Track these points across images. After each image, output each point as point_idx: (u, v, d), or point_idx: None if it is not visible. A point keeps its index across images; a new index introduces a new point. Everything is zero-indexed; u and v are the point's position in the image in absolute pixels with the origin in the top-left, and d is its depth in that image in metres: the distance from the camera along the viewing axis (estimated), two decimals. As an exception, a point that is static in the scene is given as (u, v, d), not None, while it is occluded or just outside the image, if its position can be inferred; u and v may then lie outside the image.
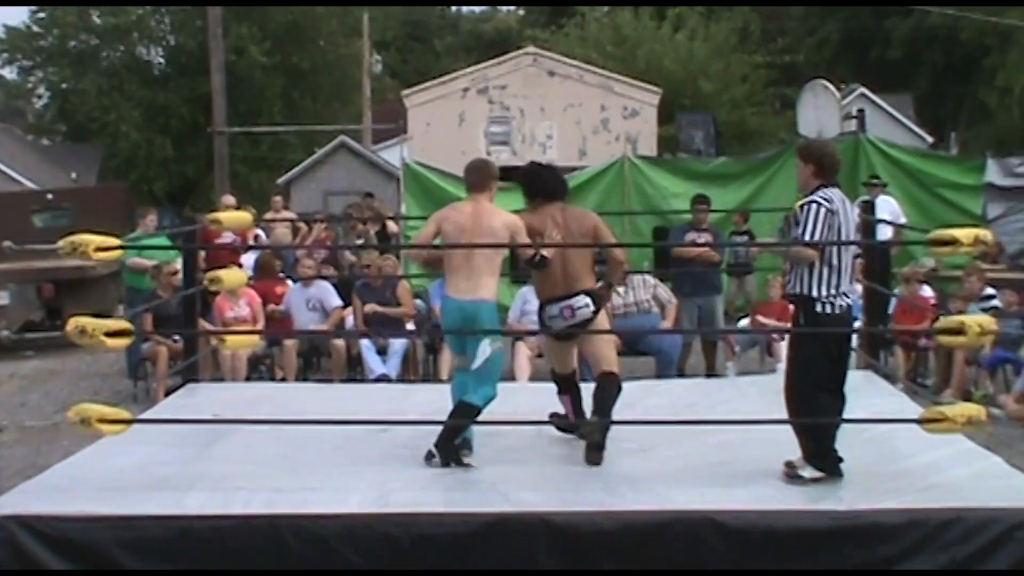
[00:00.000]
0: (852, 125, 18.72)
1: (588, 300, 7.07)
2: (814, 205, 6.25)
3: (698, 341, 12.72)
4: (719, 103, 30.86)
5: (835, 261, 6.25)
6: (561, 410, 7.54)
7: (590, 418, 7.00)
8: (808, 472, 6.28)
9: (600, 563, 5.73)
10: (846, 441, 6.49)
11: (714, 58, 32.58)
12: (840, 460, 6.31)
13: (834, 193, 6.32)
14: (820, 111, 17.39)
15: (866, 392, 8.41)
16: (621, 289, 11.77)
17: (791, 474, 6.31)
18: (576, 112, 22.73)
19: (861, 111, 21.00)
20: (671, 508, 5.88)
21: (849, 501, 5.94)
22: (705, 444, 6.84)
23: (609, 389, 7.03)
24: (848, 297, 6.33)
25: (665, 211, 15.88)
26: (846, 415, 6.60)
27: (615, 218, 16.14)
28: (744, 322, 13.22)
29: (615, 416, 6.94)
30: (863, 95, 36.40)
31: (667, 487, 6.27)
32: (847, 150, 16.62)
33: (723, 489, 6.21)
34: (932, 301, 12.36)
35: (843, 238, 6.27)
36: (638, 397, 8.36)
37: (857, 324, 8.41)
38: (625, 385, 7.32)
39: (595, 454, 6.81)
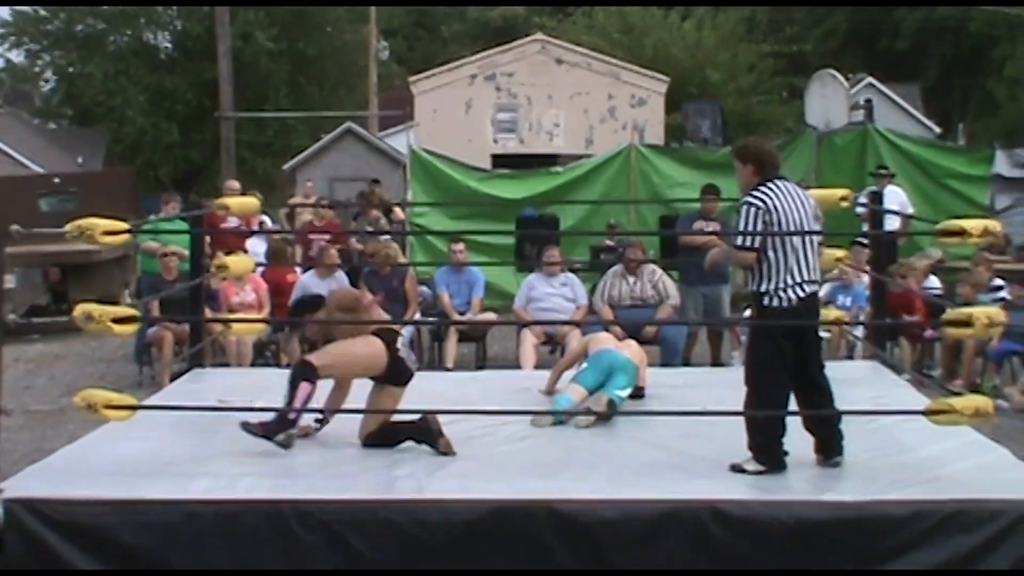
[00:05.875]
0: (860, 115, 18.70)
1: None
2: (745, 206, 6.28)
3: (704, 330, 12.71)
4: (726, 92, 30.76)
5: (779, 256, 6.22)
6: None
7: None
8: (751, 466, 6.27)
9: (604, 551, 5.72)
10: (852, 432, 6.48)
11: (721, 47, 32.48)
12: (785, 454, 6.29)
13: (774, 187, 6.30)
14: (828, 101, 17.37)
15: (872, 383, 8.43)
16: (631, 279, 11.77)
17: (736, 468, 6.28)
18: (583, 100, 22.67)
19: (869, 101, 20.99)
20: (674, 497, 5.88)
21: (854, 492, 5.92)
22: (708, 433, 6.82)
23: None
24: (803, 289, 6.27)
25: (671, 200, 15.86)
26: (850, 406, 6.58)
27: (621, 207, 16.14)
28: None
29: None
30: (871, 85, 36.29)
31: (671, 476, 6.27)
32: (855, 140, 16.65)
33: (726, 479, 6.20)
34: (938, 292, 12.34)
35: (791, 229, 6.22)
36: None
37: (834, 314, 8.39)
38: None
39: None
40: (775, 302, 6.26)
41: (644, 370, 8.26)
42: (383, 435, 6.93)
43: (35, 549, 5.76)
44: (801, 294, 6.27)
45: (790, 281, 6.24)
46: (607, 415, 7.40)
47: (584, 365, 8.00)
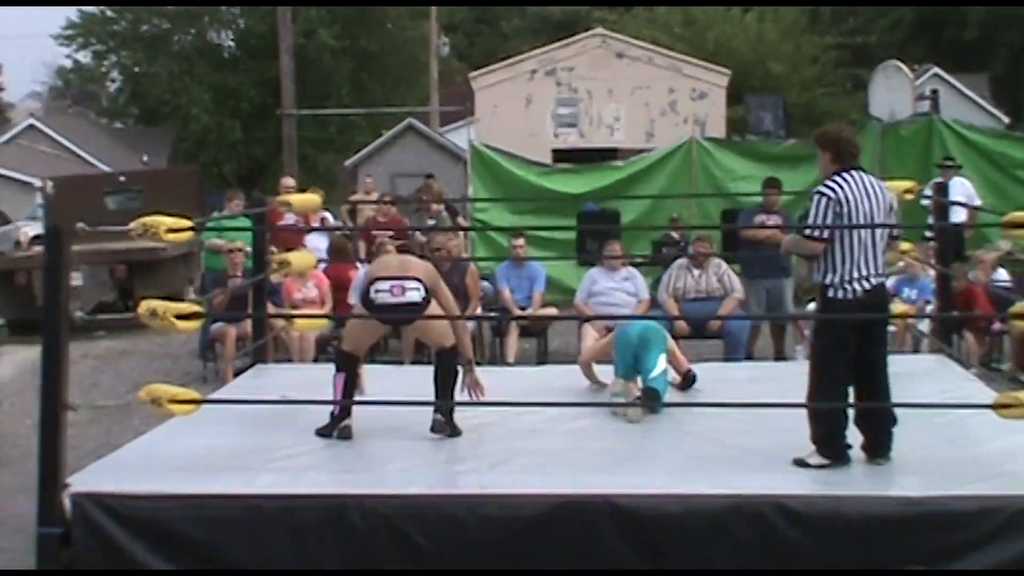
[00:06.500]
0: (925, 106, 18.51)
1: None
2: (816, 196, 6.26)
3: (767, 324, 12.61)
4: (789, 84, 30.58)
5: (847, 247, 6.18)
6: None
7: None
8: (814, 459, 6.23)
9: (666, 547, 5.69)
10: (918, 426, 6.40)
11: (784, 39, 32.28)
12: (848, 447, 6.24)
13: (849, 178, 6.25)
14: (892, 92, 17.16)
15: (939, 376, 8.32)
16: (696, 272, 11.71)
17: (799, 462, 6.24)
18: (644, 94, 22.60)
19: (935, 92, 20.80)
20: (738, 492, 5.83)
21: (921, 487, 5.84)
22: (770, 427, 6.76)
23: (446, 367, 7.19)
24: (868, 282, 6.22)
25: (733, 193, 15.74)
26: (917, 400, 6.50)
27: (683, 201, 16.05)
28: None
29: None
30: (937, 75, 35.94)
31: (733, 471, 6.22)
32: (920, 131, 16.42)
33: (789, 474, 6.15)
34: (1007, 284, 12.16)
35: (861, 222, 6.17)
36: (703, 380, 8.32)
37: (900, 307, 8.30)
38: (693, 367, 7.27)
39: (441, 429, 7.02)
40: (840, 294, 6.22)
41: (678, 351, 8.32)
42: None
43: (102, 543, 5.83)
44: (867, 286, 6.21)
45: (856, 274, 6.19)
46: (650, 406, 7.46)
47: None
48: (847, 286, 6.20)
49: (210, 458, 6.57)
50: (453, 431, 7.04)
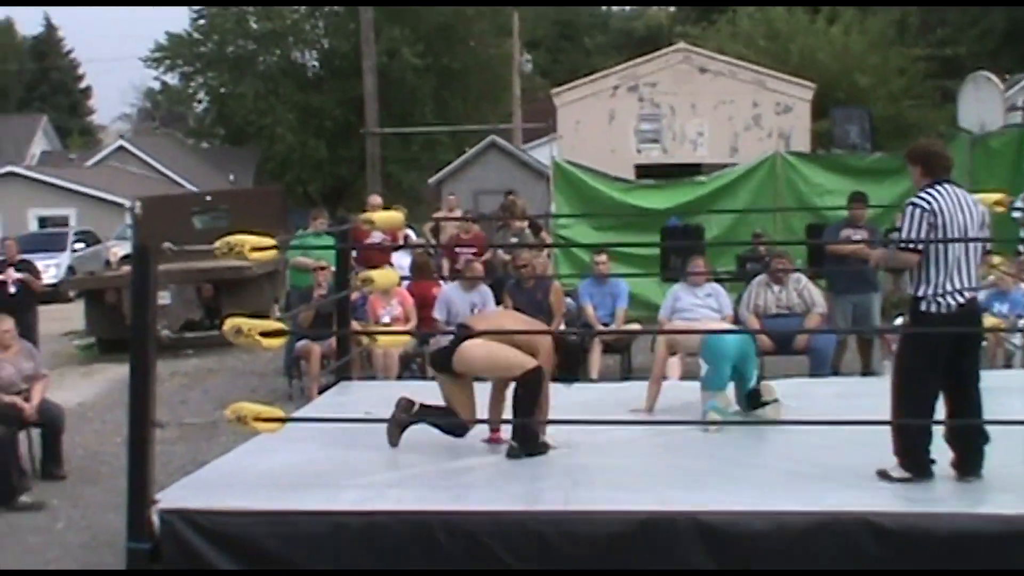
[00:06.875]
0: (1017, 117, 18.14)
1: None
2: (910, 207, 6.18)
3: (853, 339, 12.45)
4: (875, 97, 30.21)
5: (940, 260, 6.10)
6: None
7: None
8: (897, 472, 6.16)
9: (753, 565, 5.63)
10: (1010, 443, 6.27)
11: (870, 51, 31.89)
12: (932, 462, 6.16)
13: (942, 190, 6.17)
14: (982, 103, 16.90)
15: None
16: (776, 288, 11.59)
17: (882, 474, 6.19)
18: (728, 109, 22.45)
19: (1026, 102, 20.34)
20: (825, 509, 5.75)
21: (1014, 505, 5.72)
22: (857, 443, 6.65)
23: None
24: (962, 295, 6.12)
25: (819, 208, 15.57)
26: (1010, 416, 6.36)
27: (767, 215, 15.91)
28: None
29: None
30: (1028, 86, 35.25)
31: (820, 488, 6.14)
32: (1011, 143, 16.11)
33: (877, 491, 6.06)
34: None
35: (956, 235, 6.08)
36: (789, 396, 8.22)
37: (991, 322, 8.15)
38: (777, 383, 7.21)
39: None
40: (932, 307, 6.13)
41: None
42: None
43: (189, 559, 5.90)
44: (961, 300, 6.12)
45: (949, 287, 6.11)
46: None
47: (704, 365, 7.98)
48: (940, 299, 6.12)
49: (295, 475, 6.62)
50: (534, 452, 7.03)
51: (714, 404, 7.67)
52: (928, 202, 6.12)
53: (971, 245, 6.18)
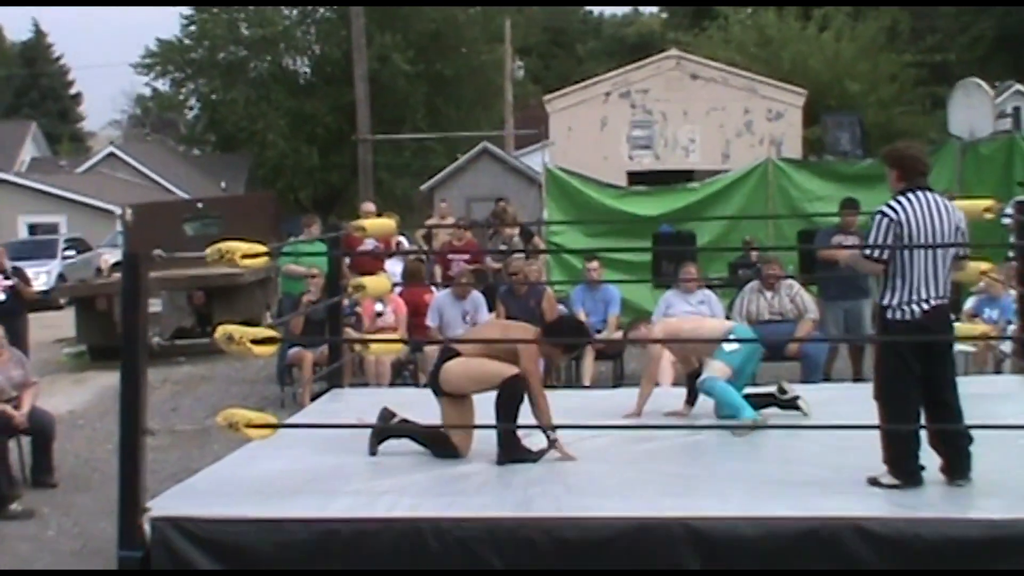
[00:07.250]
0: (1006, 124, 18.21)
1: None
2: (878, 216, 6.21)
3: (845, 346, 12.47)
4: (866, 103, 30.28)
5: (906, 269, 6.11)
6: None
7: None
8: (886, 479, 6.18)
9: (744, 570, 5.63)
10: (1000, 448, 6.28)
11: (861, 58, 31.97)
12: (921, 468, 6.17)
13: (912, 199, 6.17)
14: (972, 110, 16.92)
15: (1021, 398, 8.18)
16: (768, 294, 11.61)
17: (872, 481, 6.20)
18: (719, 115, 22.50)
19: (1016, 109, 20.43)
20: (816, 515, 5.76)
21: (1003, 509, 5.73)
22: (847, 449, 6.67)
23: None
24: (928, 303, 6.11)
25: (810, 214, 15.59)
26: (998, 421, 6.38)
27: (759, 222, 15.93)
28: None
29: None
30: (1018, 92, 35.40)
31: (810, 493, 6.14)
32: (1001, 149, 16.16)
33: (868, 496, 6.06)
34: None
35: (923, 243, 6.09)
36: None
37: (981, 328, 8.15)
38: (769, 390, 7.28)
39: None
40: (897, 315, 6.16)
41: None
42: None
43: (181, 566, 5.89)
44: (925, 307, 6.12)
45: (915, 296, 6.12)
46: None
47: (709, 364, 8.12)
48: (904, 307, 6.13)
49: (287, 482, 6.61)
50: (519, 459, 7.03)
51: (751, 413, 7.79)
52: (896, 211, 6.13)
53: (939, 253, 6.17)
